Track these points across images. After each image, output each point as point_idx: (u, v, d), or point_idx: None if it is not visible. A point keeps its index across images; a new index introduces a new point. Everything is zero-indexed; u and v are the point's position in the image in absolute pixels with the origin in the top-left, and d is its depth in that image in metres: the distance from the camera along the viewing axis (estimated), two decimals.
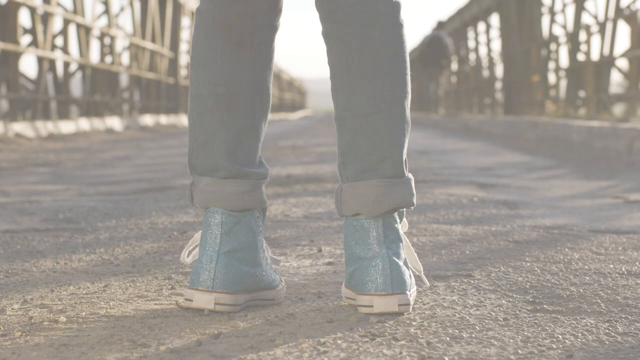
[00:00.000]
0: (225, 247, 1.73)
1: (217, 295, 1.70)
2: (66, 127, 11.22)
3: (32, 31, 11.49)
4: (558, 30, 16.00)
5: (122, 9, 16.89)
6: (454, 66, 24.87)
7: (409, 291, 1.70)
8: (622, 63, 12.86)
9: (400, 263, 1.70)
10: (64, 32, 12.92)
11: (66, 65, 12.79)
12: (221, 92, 1.76)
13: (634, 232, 2.81)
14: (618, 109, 12.65)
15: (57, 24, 13.54)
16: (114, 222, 3.08)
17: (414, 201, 1.77)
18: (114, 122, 13.43)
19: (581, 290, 1.91)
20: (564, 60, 20.28)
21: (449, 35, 21.76)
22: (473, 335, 1.54)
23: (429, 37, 19.82)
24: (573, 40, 13.30)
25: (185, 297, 1.73)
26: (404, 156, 1.76)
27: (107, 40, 14.98)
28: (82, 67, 13.70)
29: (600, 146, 7.28)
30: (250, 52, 1.76)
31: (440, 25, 20.27)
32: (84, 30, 13.45)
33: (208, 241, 1.74)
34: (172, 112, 19.29)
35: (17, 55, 10.65)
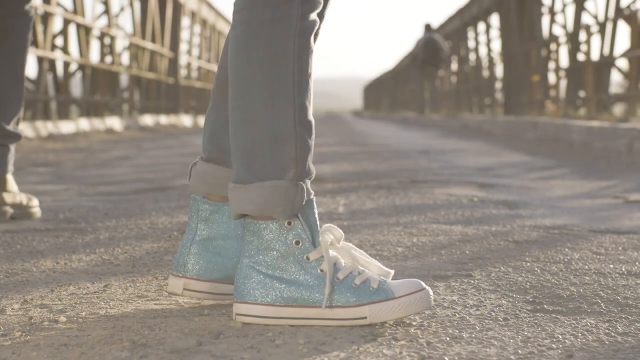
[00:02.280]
0: (200, 235, 1.76)
1: (186, 280, 1.75)
2: (66, 127, 11.21)
3: (32, 31, 11.49)
4: (558, 30, 16.01)
5: (122, 9, 16.89)
6: (454, 66, 24.89)
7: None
8: (622, 63, 12.87)
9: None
10: (64, 32, 12.92)
11: (66, 65, 12.79)
12: None
13: (634, 232, 2.81)
14: (618, 109, 12.65)
15: (57, 24, 13.54)
16: (114, 222, 3.08)
17: (259, 211, 1.62)
18: (114, 122, 13.43)
19: (581, 290, 1.91)
20: (564, 60, 20.22)
21: (442, 38, 22.28)
22: (473, 335, 1.54)
23: (422, 40, 20.34)
24: (573, 40, 13.30)
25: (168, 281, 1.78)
26: (253, 160, 1.63)
27: (107, 40, 14.98)
28: (82, 67, 13.70)
29: (600, 146, 7.28)
30: None
31: (428, 28, 20.75)
32: (84, 30, 13.45)
33: (189, 227, 1.78)
34: (172, 112, 19.29)
35: None
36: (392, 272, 1.66)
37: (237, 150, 1.65)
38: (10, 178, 3.15)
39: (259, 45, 1.62)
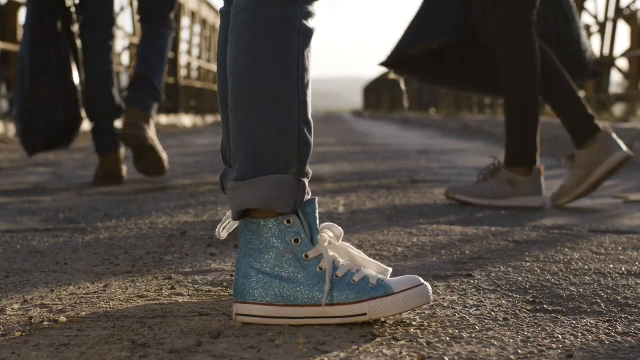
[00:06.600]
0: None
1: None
2: None
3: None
4: None
5: (122, 9, 16.88)
6: None
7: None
8: (622, 63, 12.88)
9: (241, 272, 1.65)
10: None
11: None
12: None
13: (634, 232, 2.81)
14: (618, 109, 12.65)
15: None
16: (114, 222, 3.08)
17: (263, 204, 1.63)
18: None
19: (581, 290, 1.91)
20: None
21: None
22: (473, 335, 1.54)
23: None
24: None
25: None
26: (257, 156, 1.64)
27: None
28: None
29: None
30: None
31: None
32: None
33: None
34: (172, 112, 19.29)
35: (17, 55, 10.64)
36: (390, 270, 1.66)
37: (241, 148, 1.65)
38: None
39: (266, 44, 1.64)
